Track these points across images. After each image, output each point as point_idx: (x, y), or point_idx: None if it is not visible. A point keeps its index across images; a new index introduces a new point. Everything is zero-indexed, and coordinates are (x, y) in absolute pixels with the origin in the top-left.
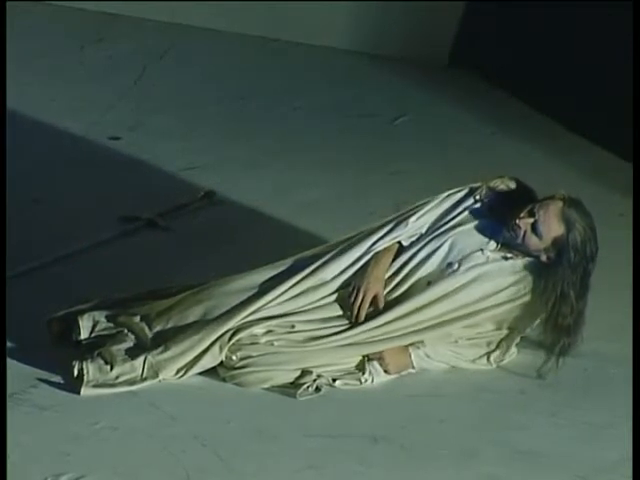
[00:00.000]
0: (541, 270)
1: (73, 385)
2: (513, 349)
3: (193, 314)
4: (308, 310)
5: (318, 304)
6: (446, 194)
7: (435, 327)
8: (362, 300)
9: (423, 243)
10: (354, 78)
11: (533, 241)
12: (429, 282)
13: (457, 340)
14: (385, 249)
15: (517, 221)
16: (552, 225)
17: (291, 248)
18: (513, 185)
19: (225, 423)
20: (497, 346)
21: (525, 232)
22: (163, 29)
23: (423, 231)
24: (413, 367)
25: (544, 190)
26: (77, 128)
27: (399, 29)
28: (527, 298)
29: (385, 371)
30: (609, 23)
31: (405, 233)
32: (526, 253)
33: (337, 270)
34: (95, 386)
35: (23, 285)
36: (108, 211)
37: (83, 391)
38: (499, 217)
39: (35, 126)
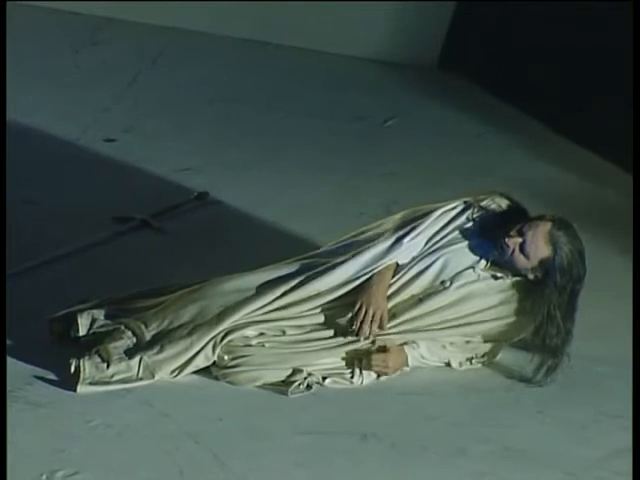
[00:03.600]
0: (529, 290)
1: (69, 382)
2: (498, 354)
3: (187, 314)
4: (300, 317)
5: (310, 312)
6: (440, 212)
7: (423, 334)
8: (372, 317)
9: (416, 260)
10: (344, 81)
11: (521, 260)
12: (420, 298)
13: (445, 345)
14: (385, 267)
15: (506, 240)
16: (539, 246)
17: (283, 249)
18: (504, 203)
19: (218, 421)
20: (482, 354)
21: (513, 251)
22: (157, 33)
23: (419, 249)
24: (407, 365)
25: (530, 192)
26: (72, 130)
27: (389, 32)
28: (514, 316)
29: (383, 374)
30: (598, 26)
31: (401, 253)
32: (514, 271)
33: (332, 283)
34: (91, 383)
35: (18, 285)
36: (102, 212)
37: (79, 388)
38: (490, 235)
39: (30, 128)
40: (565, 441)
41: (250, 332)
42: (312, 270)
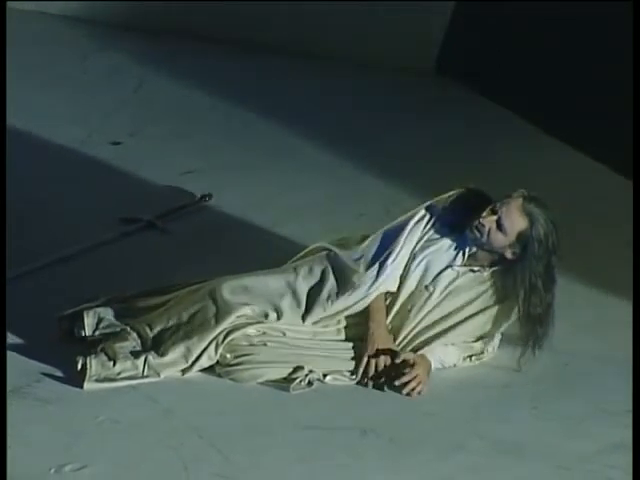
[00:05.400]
0: (508, 272)
1: (76, 379)
2: (495, 348)
3: (189, 315)
4: (298, 325)
5: (308, 324)
6: (411, 226)
7: (431, 343)
8: (382, 364)
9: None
10: (343, 84)
11: (498, 237)
12: (409, 309)
13: (447, 344)
14: (378, 299)
15: (481, 220)
16: (515, 220)
17: (284, 249)
18: (469, 195)
19: (221, 416)
20: (480, 351)
21: (490, 230)
22: (161, 39)
23: (402, 266)
24: (430, 371)
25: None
26: (79, 133)
27: (387, 37)
28: (500, 302)
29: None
30: (598, 27)
31: (389, 277)
32: (492, 255)
33: (326, 314)
34: (98, 380)
35: (28, 284)
36: (109, 213)
37: (86, 385)
38: (462, 228)
39: (38, 131)
40: (560, 436)
41: (251, 330)
42: (306, 292)
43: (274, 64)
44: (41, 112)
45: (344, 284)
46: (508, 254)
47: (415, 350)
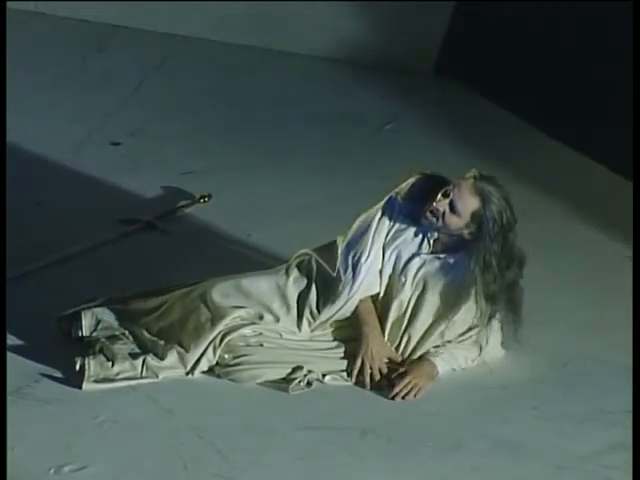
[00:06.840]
0: (466, 256)
1: (75, 380)
2: (498, 345)
3: (183, 318)
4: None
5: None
6: (376, 221)
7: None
8: (377, 368)
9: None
10: (344, 86)
11: (453, 220)
12: (390, 299)
13: (444, 344)
14: (364, 301)
15: (435, 204)
16: (467, 200)
17: (284, 250)
18: (420, 181)
19: (221, 416)
20: (486, 342)
21: (444, 213)
22: (161, 40)
23: (379, 261)
24: (437, 374)
25: (530, 196)
26: (79, 134)
27: (387, 39)
28: (469, 286)
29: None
30: (596, 30)
31: (367, 279)
32: (451, 236)
33: (318, 321)
34: (96, 381)
35: (27, 285)
36: (109, 213)
37: (84, 386)
38: (421, 216)
39: (39, 132)
40: (560, 436)
41: (247, 331)
42: (295, 298)
43: (275, 65)
44: (41, 112)
45: (329, 293)
46: (465, 235)
47: (411, 357)
